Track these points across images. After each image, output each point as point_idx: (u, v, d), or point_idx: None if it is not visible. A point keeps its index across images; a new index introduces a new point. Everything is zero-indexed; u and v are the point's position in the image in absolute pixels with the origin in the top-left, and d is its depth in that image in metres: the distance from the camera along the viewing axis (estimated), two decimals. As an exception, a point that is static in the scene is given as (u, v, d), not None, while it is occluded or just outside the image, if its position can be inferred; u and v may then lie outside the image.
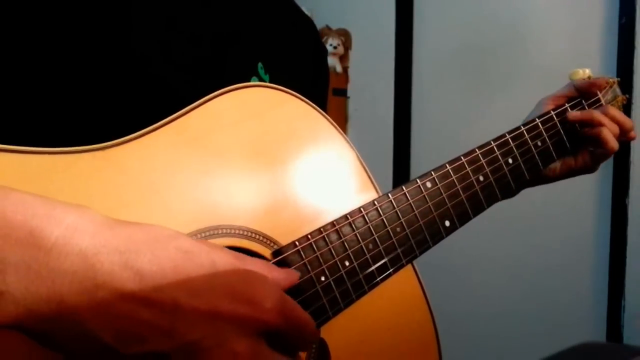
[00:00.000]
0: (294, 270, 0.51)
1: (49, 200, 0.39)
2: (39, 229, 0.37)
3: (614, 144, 0.81)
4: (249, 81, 0.61)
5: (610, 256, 1.67)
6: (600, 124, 0.80)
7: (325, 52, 0.82)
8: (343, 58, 2.04)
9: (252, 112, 0.55)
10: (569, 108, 0.82)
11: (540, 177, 0.82)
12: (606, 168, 1.64)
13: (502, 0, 1.81)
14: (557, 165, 0.83)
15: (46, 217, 0.37)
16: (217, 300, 0.40)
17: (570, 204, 1.70)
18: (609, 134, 0.80)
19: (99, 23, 0.53)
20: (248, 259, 0.46)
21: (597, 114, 0.81)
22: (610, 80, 0.89)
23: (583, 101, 0.84)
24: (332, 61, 1.99)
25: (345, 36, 2.03)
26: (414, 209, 0.62)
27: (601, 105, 0.85)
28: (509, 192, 0.73)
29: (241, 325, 0.41)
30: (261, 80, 0.64)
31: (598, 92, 0.85)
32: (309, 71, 0.76)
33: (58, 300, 0.36)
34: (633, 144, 1.59)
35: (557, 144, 0.79)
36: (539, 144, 0.77)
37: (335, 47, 1.99)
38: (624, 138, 0.84)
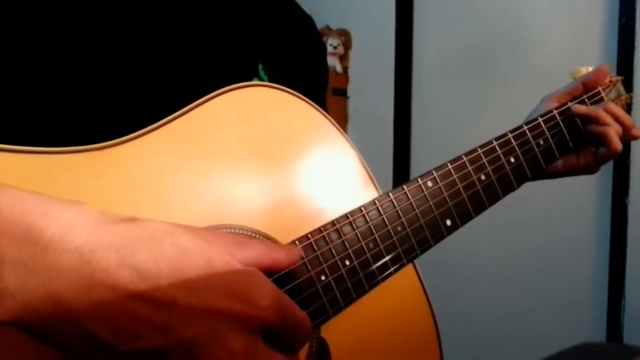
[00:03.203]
0: (295, 248, 0.51)
1: (46, 197, 0.39)
2: (35, 226, 0.37)
3: (617, 144, 0.81)
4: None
5: (610, 256, 1.67)
6: (606, 123, 0.80)
7: (324, 49, 0.82)
8: (343, 58, 2.03)
9: (251, 112, 0.55)
10: (571, 107, 0.82)
11: (541, 173, 0.82)
12: (606, 168, 1.63)
13: (502, 1, 1.81)
14: (559, 162, 0.82)
15: (42, 214, 0.37)
16: (214, 297, 0.40)
17: (570, 204, 1.70)
18: (615, 135, 0.80)
19: (97, 23, 0.53)
20: (249, 243, 0.46)
21: (603, 113, 0.80)
22: (614, 78, 0.89)
23: (586, 99, 0.84)
24: (332, 61, 1.99)
25: (345, 36, 2.03)
26: (415, 208, 0.62)
27: (602, 101, 0.85)
28: (511, 191, 0.73)
29: (237, 322, 0.41)
30: (261, 81, 0.64)
31: (601, 92, 0.85)
32: (309, 70, 0.76)
33: (55, 297, 0.36)
34: (633, 144, 1.59)
35: (559, 142, 0.79)
36: (541, 142, 0.76)
37: (335, 47, 1.99)
38: (626, 137, 0.84)
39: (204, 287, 0.40)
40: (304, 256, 0.53)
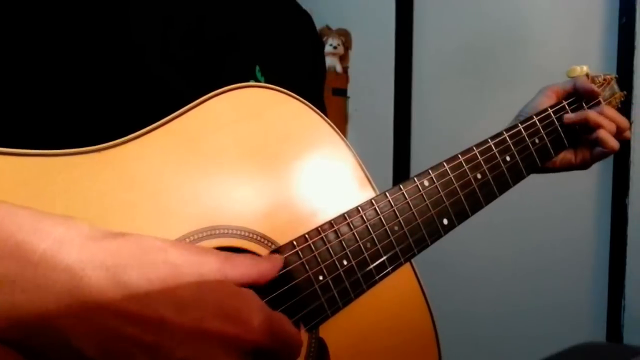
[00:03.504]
0: (277, 256, 0.51)
1: (37, 212, 0.38)
2: (25, 243, 0.36)
3: (614, 143, 0.81)
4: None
5: (610, 256, 1.67)
6: (598, 125, 0.80)
7: (321, 46, 0.81)
8: (343, 58, 2.03)
9: (249, 113, 0.55)
10: (566, 105, 0.82)
11: (538, 170, 0.82)
12: (606, 168, 1.64)
13: (502, 1, 1.81)
14: (556, 159, 0.82)
15: (33, 230, 0.37)
16: (204, 317, 0.40)
17: (570, 204, 1.70)
18: (607, 135, 0.80)
19: (96, 23, 0.53)
20: (237, 259, 0.46)
21: (592, 115, 0.80)
22: (608, 76, 0.89)
23: (584, 103, 0.84)
24: (332, 61, 1.99)
25: (345, 36, 2.03)
26: (412, 208, 0.62)
27: (598, 102, 0.85)
28: (506, 189, 0.73)
29: (228, 343, 0.41)
30: (258, 82, 0.64)
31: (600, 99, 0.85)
32: (307, 68, 0.75)
33: (44, 315, 0.36)
34: (633, 144, 1.59)
35: (554, 141, 0.79)
36: (537, 141, 0.76)
37: (335, 47, 1.99)
38: (619, 137, 0.84)
39: (194, 306, 0.40)
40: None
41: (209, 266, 0.43)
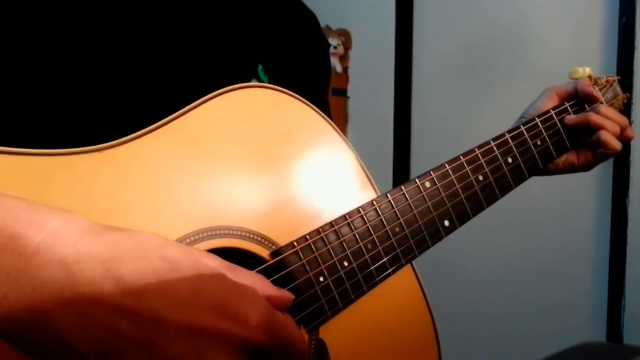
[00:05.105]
0: (288, 292, 0.48)
1: (34, 204, 0.38)
2: (20, 235, 0.36)
3: (616, 144, 0.81)
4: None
5: (610, 256, 1.67)
6: (599, 127, 0.80)
7: (327, 46, 0.80)
8: (343, 58, 2.03)
9: (250, 113, 0.55)
10: (568, 107, 0.82)
11: (540, 172, 0.81)
12: (606, 168, 1.64)
13: (502, 0, 1.81)
14: (558, 160, 0.82)
15: (28, 222, 0.36)
16: (200, 314, 0.39)
17: (570, 204, 1.70)
18: (610, 136, 0.80)
19: (97, 23, 0.53)
20: (242, 273, 0.45)
21: (593, 117, 0.80)
22: (611, 78, 0.88)
23: (586, 105, 0.84)
24: (332, 61, 1.99)
25: (345, 36, 2.03)
26: (413, 209, 0.62)
27: (600, 104, 0.85)
28: (508, 191, 0.72)
29: (224, 341, 0.40)
30: (260, 82, 0.64)
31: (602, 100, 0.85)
32: (310, 68, 0.75)
33: (37, 308, 0.35)
34: (633, 144, 1.59)
35: (557, 143, 0.79)
36: (539, 143, 0.76)
37: (335, 47, 1.99)
38: (621, 137, 0.84)
39: (191, 301, 0.39)
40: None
41: (210, 263, 0.42)
